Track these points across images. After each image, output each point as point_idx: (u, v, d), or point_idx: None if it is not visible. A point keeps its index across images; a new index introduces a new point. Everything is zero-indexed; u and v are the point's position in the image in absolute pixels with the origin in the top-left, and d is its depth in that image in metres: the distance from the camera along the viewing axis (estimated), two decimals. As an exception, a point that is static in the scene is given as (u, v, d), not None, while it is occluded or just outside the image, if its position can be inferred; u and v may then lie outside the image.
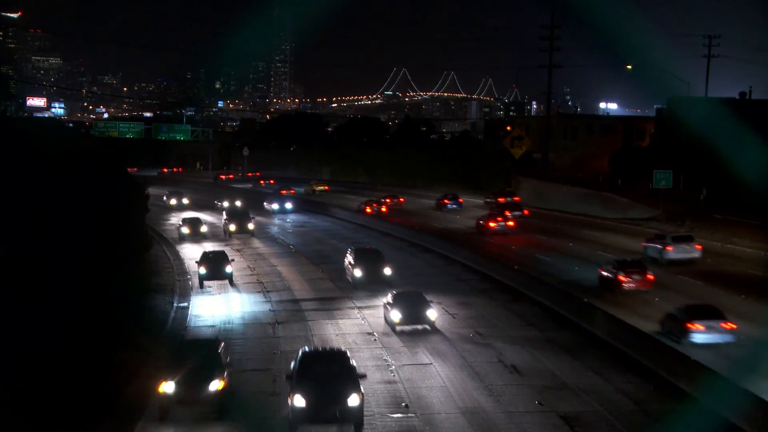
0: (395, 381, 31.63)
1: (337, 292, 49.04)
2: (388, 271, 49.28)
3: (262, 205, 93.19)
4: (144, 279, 50.86)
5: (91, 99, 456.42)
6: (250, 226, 73.06)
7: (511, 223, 70.88)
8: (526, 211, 79.69)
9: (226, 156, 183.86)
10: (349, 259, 51.27)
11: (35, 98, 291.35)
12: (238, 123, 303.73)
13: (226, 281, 51.30)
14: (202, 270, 50.78)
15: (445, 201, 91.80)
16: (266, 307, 45.72)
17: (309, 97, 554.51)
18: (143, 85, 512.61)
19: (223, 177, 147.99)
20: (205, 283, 51.58)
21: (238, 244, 68.75)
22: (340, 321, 41.86)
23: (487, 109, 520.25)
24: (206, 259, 51.61)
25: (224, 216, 75.42)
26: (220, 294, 49.65)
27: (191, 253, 62.09)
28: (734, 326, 34.58)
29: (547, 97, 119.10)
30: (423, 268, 56.33)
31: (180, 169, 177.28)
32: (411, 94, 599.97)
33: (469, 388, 30.57)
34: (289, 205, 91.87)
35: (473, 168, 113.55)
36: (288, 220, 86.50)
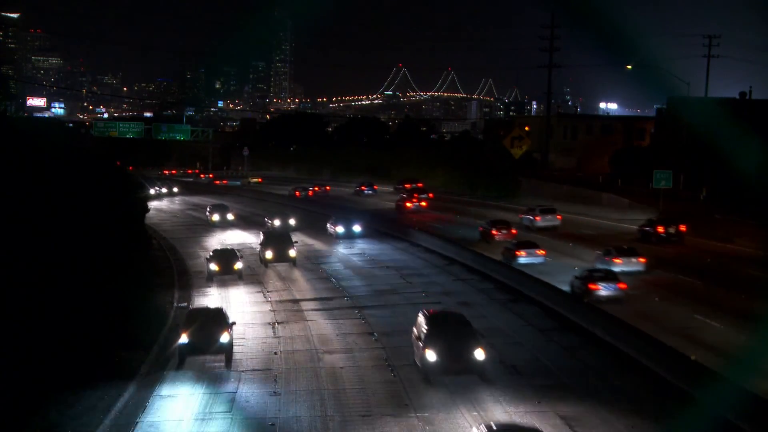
0: (395, 381, 31.63)
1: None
2: (480, 354, 30.40)
3: (324, 226, 74.91)
4: (144, 279, 50.86)
5: (91, 99, 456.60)
6: (292, 253, 57.64)
7: (423, 204, 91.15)
8: (431, 195, 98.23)
9: (226, 156, 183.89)
10: (421, 328, 32.01)
11: (35, 98, 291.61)
12: (238, 123, 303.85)
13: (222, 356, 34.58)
14: (184, 339, 33.90)
15: (362, 188, 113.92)
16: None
17: (309, 97, 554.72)
18: (143, 85, 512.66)
19: (218, 182, 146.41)
20: (204, 283, 51.44)
21: (275, 286, 52.28)
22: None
23: (487, 109, 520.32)
24: (193, 318, 35.19)
25: (261, 239, 60.90)
26: (219, 295, 49.70)
27: (212, 301, 47.13)
28: (544, 252, 55.19)
29: (547, 97, 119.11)
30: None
31: (174, 171, 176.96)
32: (411, 94, 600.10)
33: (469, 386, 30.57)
34: (357, 228, 72.20)
35: (473, 168, 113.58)
36: (356, 248, 66.61)
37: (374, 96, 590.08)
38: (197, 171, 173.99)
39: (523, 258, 53.81)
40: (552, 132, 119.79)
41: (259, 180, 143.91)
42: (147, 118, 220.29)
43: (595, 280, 43.36)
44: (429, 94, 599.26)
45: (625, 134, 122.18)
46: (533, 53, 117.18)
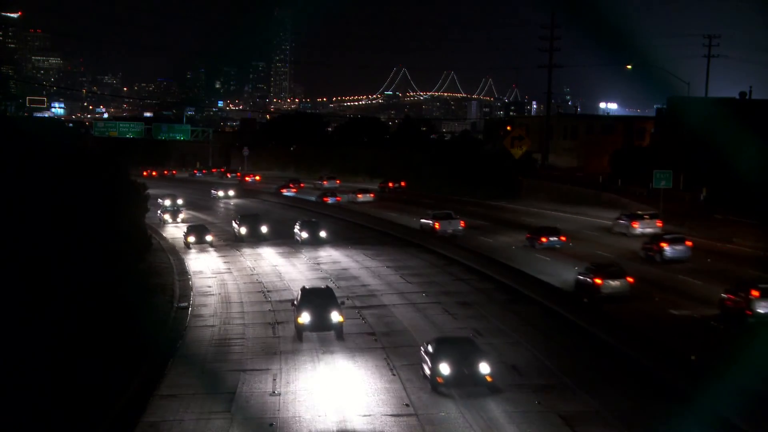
0: (395, 381, 31.61)
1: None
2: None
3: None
4: (144, 278, 50.88)
5: (91, 99, 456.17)
6: (336, 317, 37.55)
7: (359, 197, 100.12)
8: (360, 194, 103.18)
9: (226, 156, 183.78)
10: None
11: (35, 98, 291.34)
12: (238, 123, 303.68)
13: None
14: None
15: (288, 187, 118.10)
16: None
17: (309, 97, 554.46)
18: (143, 85, 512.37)
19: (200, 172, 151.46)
20: (205, 282, 51.40)
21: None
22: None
23: (487, 109, 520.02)
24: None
25: (297, 296, 41.03)
26: (219, 294, 49.70)
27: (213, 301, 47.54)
28: (464, 223, 67.96)
29: (547, 97, 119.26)
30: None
31: (174, 171, 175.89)
32: (411, 94, 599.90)
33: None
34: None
35: (473, 168, 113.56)
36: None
37: (374, 96, 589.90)
38: (195, 171, 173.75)
39: (441, 230, 66.07)
40: (552, 132, 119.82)
41: (257, 178, 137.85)
42: (147, 118, 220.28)
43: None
44: (429, 94, 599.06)
45: (625, 134, 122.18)
46: (533, 53, 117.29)
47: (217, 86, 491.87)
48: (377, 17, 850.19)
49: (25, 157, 36.72)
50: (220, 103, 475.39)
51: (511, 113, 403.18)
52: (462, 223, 68.60)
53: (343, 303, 41.85)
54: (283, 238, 70.26)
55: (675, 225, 66.16)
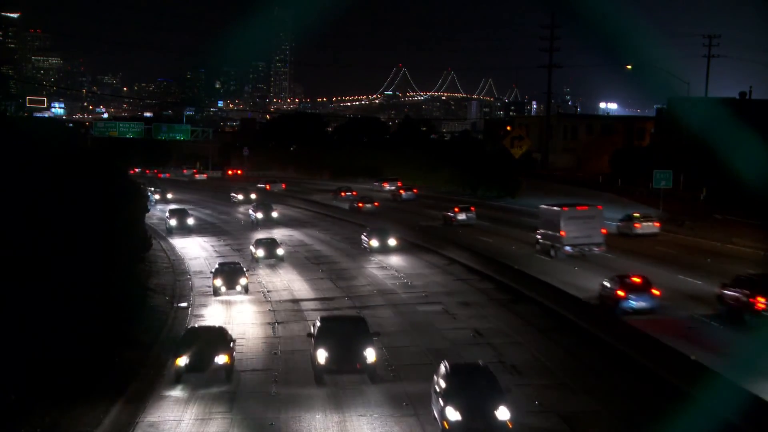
0: (395, 381, 31.61)
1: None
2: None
3: None
4: (144, 278, 50.91)
5: (91, 99, 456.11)
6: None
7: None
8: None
9: (226, 156, 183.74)
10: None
11: (35, 98, 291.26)
12: (238, 123, 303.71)
13: None
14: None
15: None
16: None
17: (309, 97, 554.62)
18: (143, 85, 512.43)
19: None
20: (205, 282, 51.34)
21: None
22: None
23: (487, 109, 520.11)
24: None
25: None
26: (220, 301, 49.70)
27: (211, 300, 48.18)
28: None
29: (547, 97, 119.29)
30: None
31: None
32: (411, 94, 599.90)
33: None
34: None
35: (473, 168, 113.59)
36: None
37: (374, 96, 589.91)
38: (194, 171, 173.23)
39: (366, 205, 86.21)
40: (552, 132, 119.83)
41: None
42: (147, 118, 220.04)
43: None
44: (429, 94, 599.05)
45: (625, 134, 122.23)
46: (533, 53, 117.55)
47: (217, 86, 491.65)
48: (377, 17, 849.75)
49: (24, 157, 36.71)
50: (220, 103, 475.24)
51: (511, 113, 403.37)
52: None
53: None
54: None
55: (675, 225, 66.26)
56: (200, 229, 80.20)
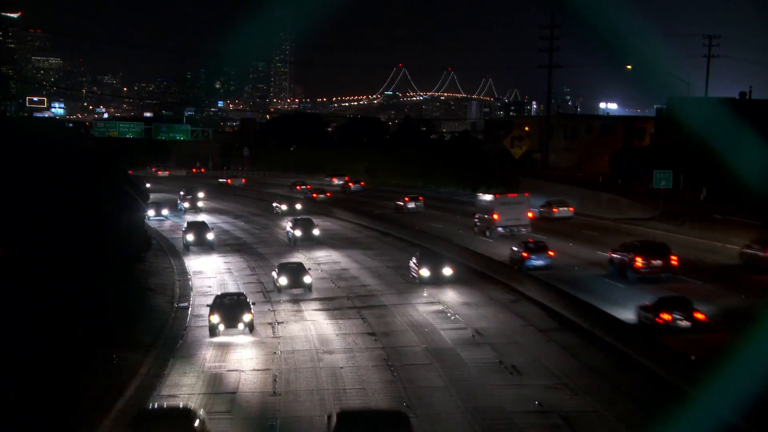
0: (395, 381, 31.61)
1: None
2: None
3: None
4: (143, 279, 50.89)
5: (91, 99, 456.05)
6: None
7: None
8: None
9: (226, 156, 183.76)
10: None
11: (35, 98, 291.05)
12: (238, 123, 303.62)
13: None
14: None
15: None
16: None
17: (309, 97, 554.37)
18: (143, 85, 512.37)
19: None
20: (205, 282, 51.37)
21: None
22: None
23: (487, 109, 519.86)
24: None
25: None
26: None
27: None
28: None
29: (547, 97, 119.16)
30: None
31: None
32: (411, 94, 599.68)
33: (470, 387, 30.57)
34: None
35: (473, 168, 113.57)
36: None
37: (374, 96, 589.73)
38: (194, 170, 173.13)
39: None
40: (552, 132, 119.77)
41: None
42: (147, 118, 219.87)
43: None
44: (429, 94, 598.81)
45: (625, 134, 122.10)
46: (533, 53, 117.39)
47: (217, 86, 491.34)
48: (377, 17, 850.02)
49: (23, 157, 36.74)
50: (220, 103, 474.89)
51: (511, 113, 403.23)
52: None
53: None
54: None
55: (675, 225, 66.19)
56: (227, 247, 69.02)
